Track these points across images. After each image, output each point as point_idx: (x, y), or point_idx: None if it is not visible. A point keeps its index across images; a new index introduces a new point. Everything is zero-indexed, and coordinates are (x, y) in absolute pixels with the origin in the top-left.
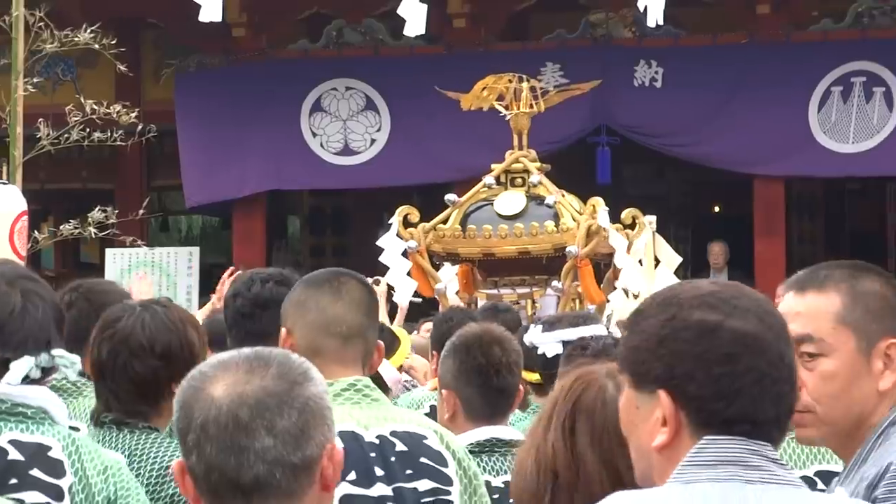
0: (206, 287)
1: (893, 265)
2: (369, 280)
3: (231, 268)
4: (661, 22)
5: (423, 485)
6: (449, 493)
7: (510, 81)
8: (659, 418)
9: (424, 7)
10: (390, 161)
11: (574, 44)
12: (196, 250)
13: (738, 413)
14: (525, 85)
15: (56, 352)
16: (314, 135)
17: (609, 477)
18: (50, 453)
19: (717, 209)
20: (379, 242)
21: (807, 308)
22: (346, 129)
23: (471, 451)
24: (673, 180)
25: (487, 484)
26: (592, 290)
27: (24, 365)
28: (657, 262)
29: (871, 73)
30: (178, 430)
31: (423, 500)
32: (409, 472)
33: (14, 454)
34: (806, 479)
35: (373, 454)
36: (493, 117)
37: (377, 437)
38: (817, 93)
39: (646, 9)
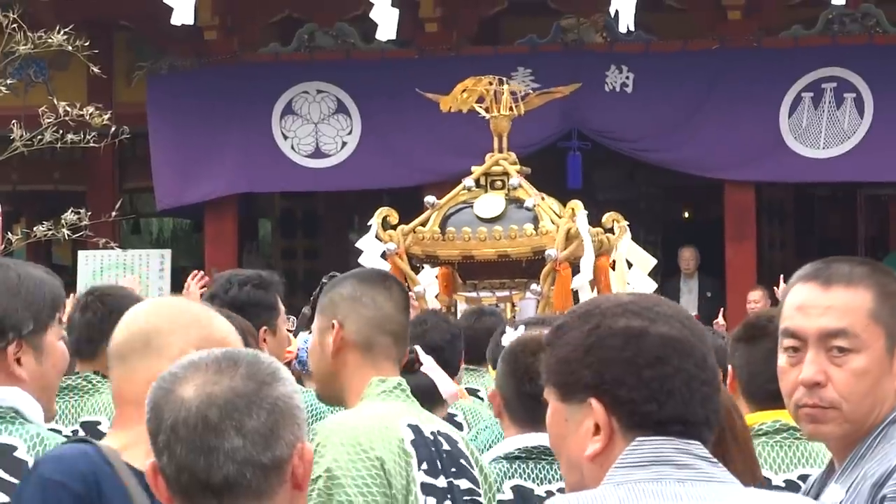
0: (178, 289)
1: None
2: None
3: (197, 271)
4: (632, 27)
5: (464, 484)
6: (479, 494)
7: (490, 84)
8: (590, 428)
9: (396, 11)
10: (361, 164)
11: (545, 48)
12: (168, 253)
13: (670, 414)
14: (505, 87)
15: None
16: (285, 137)
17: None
18: (15, 453)
19: (687, 214)
20: (358, 244)
21: (837, 302)
22: (317, 132)
23: (516, 457)
24: (643, 185)
25: (530, 492)
26: (563, 295)
27: None
28: (630, 265)
29: (841, 80)
30: (149, 431)
31: (464, 499)
32: (453, 469)
33: None
34: (789, 482)
35: (433, 448)
36: (464, 121)
37: (430, 433)
38: (788, 98)
39: (617, 14)
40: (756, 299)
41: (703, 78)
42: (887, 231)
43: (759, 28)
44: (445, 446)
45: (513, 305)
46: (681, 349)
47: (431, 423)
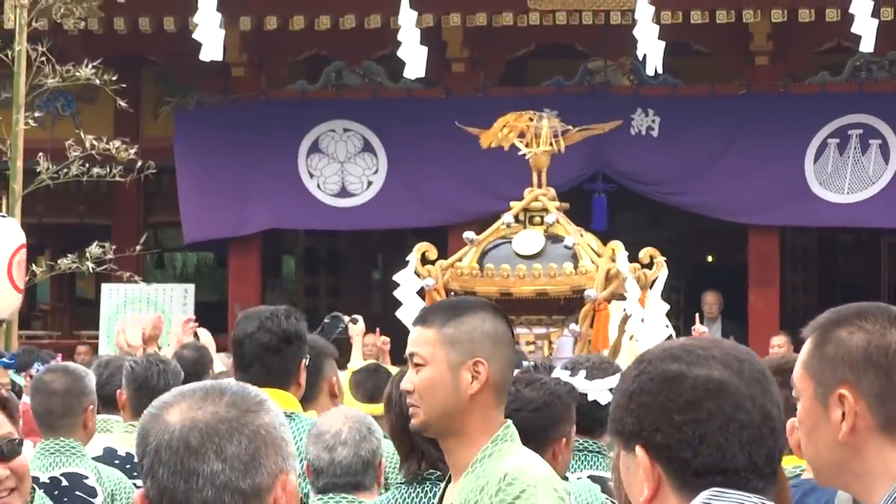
0: (201, 325)
1: None
2: (347, 319)
3: (190, 318)
4: (660, 70)
5: None
6: None
7: (531, 120)
8: (642, 476)
9: (425, 50)
10: (386, 204)
11: (572, 90)
12: (191, 287)
13: (706, 462)
14: (545, 123)
15: None
16: (311, 176)
17: None
18: None
19: (710, 258)
20: (396, 278)
21: (796, 355)
22: (343, 171)
23: None
24: (667, 229)
25: None
26: (603, 335)
27: None
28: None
29: (867, 126)
30: (137, 456)
31: None
32: None
33: None
34: None
35: None
36: (491, 161)
37: None
38: (814, 144)
39: (645, 57)
40: (779, 344)
41: (730, 122)
42: None
43: (786, 74)
44: None
45: (550, 343)
46: (716, 392)
47: None
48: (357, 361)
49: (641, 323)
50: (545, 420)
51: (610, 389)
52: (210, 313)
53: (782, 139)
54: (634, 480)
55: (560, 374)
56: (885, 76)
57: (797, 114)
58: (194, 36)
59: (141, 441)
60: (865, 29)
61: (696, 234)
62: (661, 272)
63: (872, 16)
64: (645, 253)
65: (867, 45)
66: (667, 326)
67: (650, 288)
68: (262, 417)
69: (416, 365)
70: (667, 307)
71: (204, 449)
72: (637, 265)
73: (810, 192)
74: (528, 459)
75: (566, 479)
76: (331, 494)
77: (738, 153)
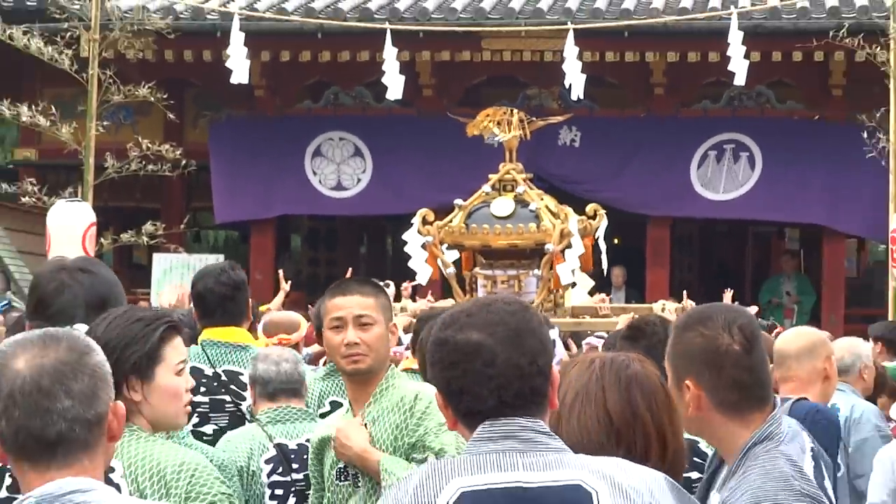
0: None
1: (749, 292)
2: (381, 283)
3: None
4: (581, 97)
5: None
6: None
7: (504, 113)
8: None
9: (403, 78)
10: (372, 196)
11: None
12: (221, 257)
13: (467, 408)
14: (516, 116)
15: (77, 326)
16: (314, 174)
17: (658, 435)
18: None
19: (616, 241)
20: (404, 236)
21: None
22: (339, 171)
23: None
24: None
25: None
26: (557, 278)
27: None
28: (573, 284)
29: (738, 142)
30: None
31: None
32: None
33: None
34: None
35: None
36: (453, 162)
37: None
38: (697, 155)
39: (570, 87)
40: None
41: (634, 137)
42: (769, 261)
43: (678, 101)
44: None
45: (519, 282)
46: (471, 353)
47: None
48: None
49: (576, 274)
50: None
51: None
52: None
53: (673, 151)
54: None
55: None
56: (753, 104)
57: (685, 132)
58: (226, 64)
59: None
60: (739, 67)
61: (610, 223)
62: (602, 222)
63: (745, 57)
64: (590, 207)
65: (740, 80)
66: (603, 268)
67: (594, 233)
68: (94, 357)
69: (366, 324)
70: (592, 283)
71: (54, 389)
72: (584, 217)
73: (694, 192)
74: (423, 385)
75: None
76: (282, 402)
77: (640, 161)
